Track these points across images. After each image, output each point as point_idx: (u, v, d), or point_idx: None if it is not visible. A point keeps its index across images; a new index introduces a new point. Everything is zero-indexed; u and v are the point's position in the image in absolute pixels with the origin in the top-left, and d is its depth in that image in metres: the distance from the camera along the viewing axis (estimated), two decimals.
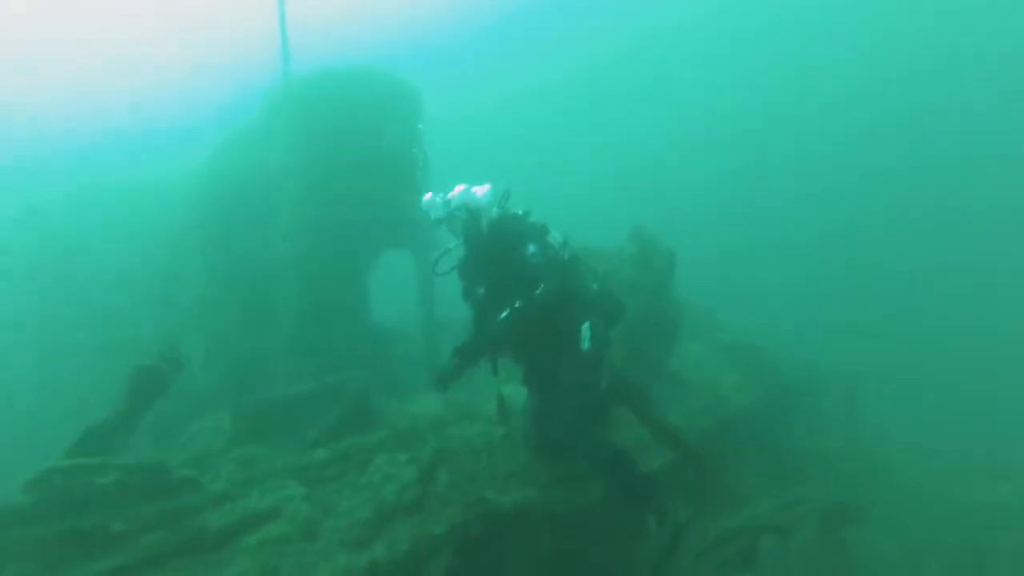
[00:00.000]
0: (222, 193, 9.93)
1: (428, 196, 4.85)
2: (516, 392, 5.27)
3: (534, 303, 4.15)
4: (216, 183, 10.00)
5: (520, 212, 4.73)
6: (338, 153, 9.51)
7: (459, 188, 4.84)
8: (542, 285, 4.18)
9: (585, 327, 4.26)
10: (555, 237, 4.61)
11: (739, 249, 25.09)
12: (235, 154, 10.31)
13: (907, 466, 9.74)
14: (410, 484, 4.67)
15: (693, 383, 7.99)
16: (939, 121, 27.53)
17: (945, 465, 9.66)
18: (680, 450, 5.09)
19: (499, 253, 4.43)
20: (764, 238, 26.62)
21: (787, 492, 7.74)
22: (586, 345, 4.21)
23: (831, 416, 10.63)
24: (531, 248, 4.25)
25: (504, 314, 4.19)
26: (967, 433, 11.02)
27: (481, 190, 4.85)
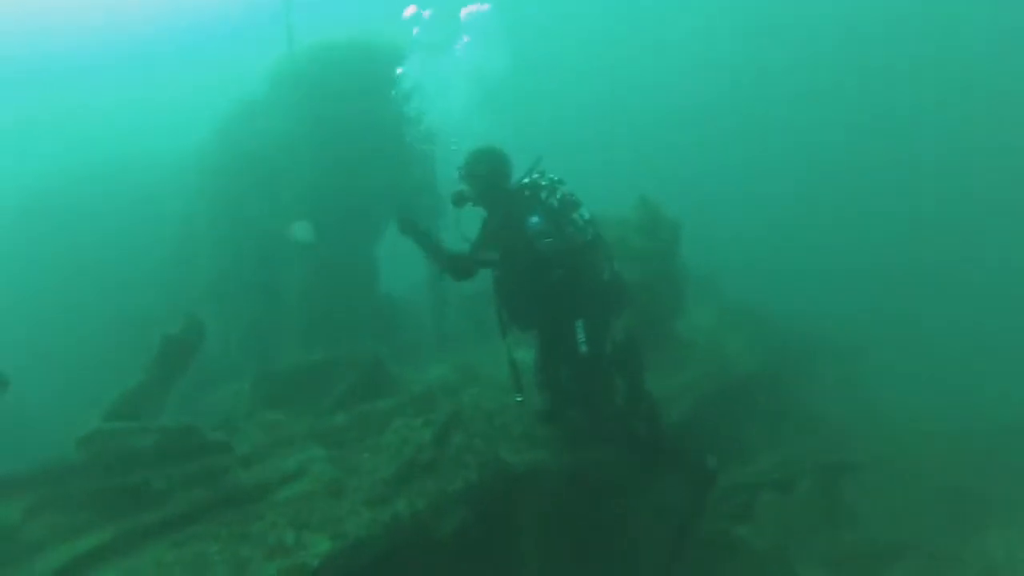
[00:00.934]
0: (229, 166, 10.06)
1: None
2: (526, 357, 5.47)
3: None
4: (222, 156, 10.13)
5: (550, 180, 4.60)
6: (342, 124, 9.60)
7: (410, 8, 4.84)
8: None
9: (578, 326, 4.34)
10: (582, 214, 4.53)
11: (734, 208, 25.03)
12: (241, 126, 10.41)
13: (896, 420, 10.06)
14: (426, 445, 4.90)
15: (699, 346, 8.22)
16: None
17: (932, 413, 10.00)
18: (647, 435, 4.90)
19: (509, 224, 4.48)
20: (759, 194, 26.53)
21: (785, 449, 8.03)
22: (582, 348, 4.32)
23: (825, 374, 10.96)
24: (534, 220, 4.26)
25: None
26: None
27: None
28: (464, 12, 4.80)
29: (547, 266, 4.27)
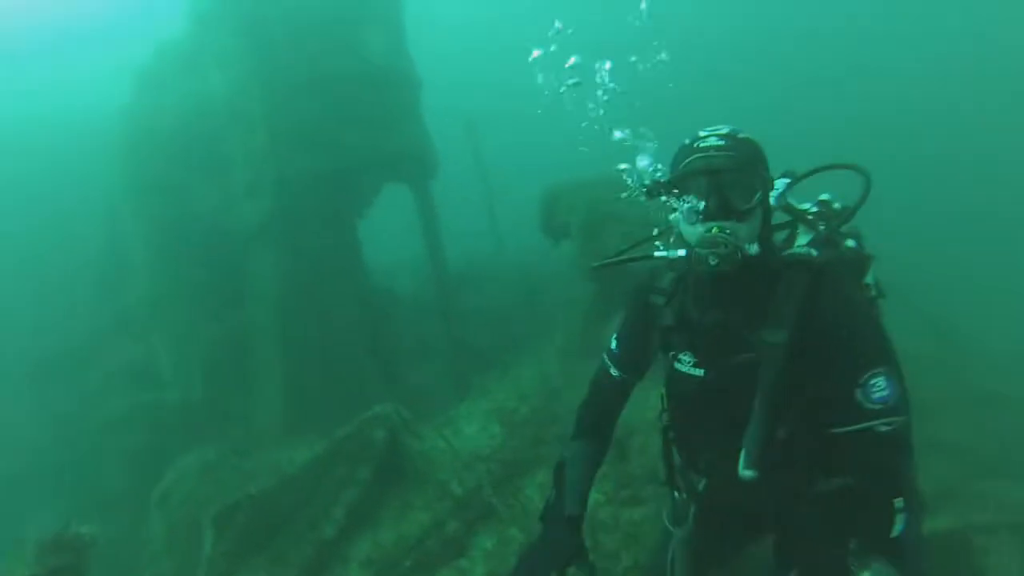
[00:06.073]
0: (155, 143, 7.57)
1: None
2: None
3: None
4: (146, 130, 7.60)
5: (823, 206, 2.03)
6: (302, 76, 7.17)
7: None
8: None
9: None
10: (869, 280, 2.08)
11: None
12: (164, 87, 7.85)
13: None
14: None
15: None
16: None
17: None
18: None
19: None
20: None
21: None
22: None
23: None
24: (879, 382, 1.62)
25: None
26: None
27: None
28: None
29: None
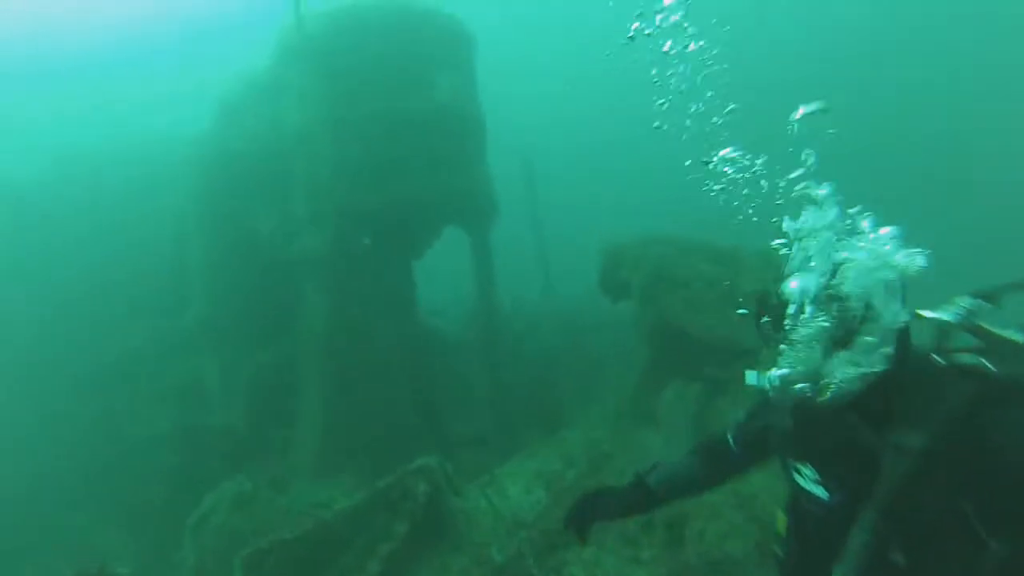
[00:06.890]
0: (226, 165, 7.76)
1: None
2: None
3: None
4: (219, 153, 7.82)
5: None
6: (372, 113, 7.28)
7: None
8: None
9: None
10: None
11: None
12: (242, 114, 8.10)
13: None
14: None
15: None
16: None
17: None
18: None
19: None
20: None
21: None
22: None
23: None
24: None
25: None
26: None
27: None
28: None
29: None
